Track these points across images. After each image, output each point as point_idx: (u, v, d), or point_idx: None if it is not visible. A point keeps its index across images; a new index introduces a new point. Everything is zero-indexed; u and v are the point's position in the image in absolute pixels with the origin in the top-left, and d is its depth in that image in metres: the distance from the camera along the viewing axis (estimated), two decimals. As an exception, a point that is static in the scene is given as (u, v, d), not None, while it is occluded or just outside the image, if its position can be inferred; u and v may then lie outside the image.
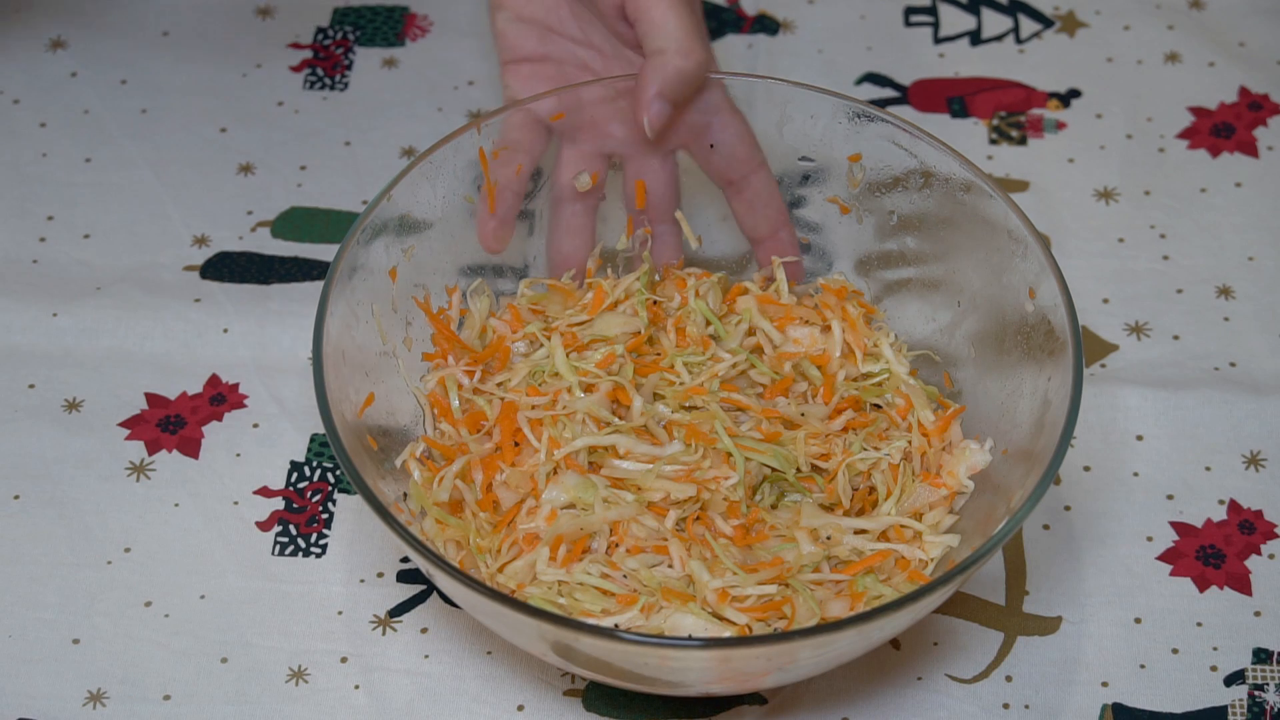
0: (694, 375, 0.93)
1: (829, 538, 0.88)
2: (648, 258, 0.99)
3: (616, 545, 0.87)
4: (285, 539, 0.95)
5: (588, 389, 0.91)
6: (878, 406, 0.94)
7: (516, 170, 0.95)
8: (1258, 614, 0.92)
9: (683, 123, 0.95)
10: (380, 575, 0.94)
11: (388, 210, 0.91)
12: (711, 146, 0.95)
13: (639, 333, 0.93)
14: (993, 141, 1.11)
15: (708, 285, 0.96)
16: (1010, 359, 0.90)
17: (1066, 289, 0.86)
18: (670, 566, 0.86)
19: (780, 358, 0.94)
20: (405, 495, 0.89)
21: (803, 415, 0.92)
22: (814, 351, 0.94)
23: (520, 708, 0.89)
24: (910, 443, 0.91)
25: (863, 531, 0.88)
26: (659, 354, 0.94)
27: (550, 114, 0.95)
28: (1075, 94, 1.13)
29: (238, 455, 0.99)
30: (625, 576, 0.86)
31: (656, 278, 0.98)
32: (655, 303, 0.96)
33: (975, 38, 1.16)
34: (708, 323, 0.95)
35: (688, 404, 0.92)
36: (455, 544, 0.88)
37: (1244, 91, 1.13)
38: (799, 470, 0.90)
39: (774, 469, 0.89)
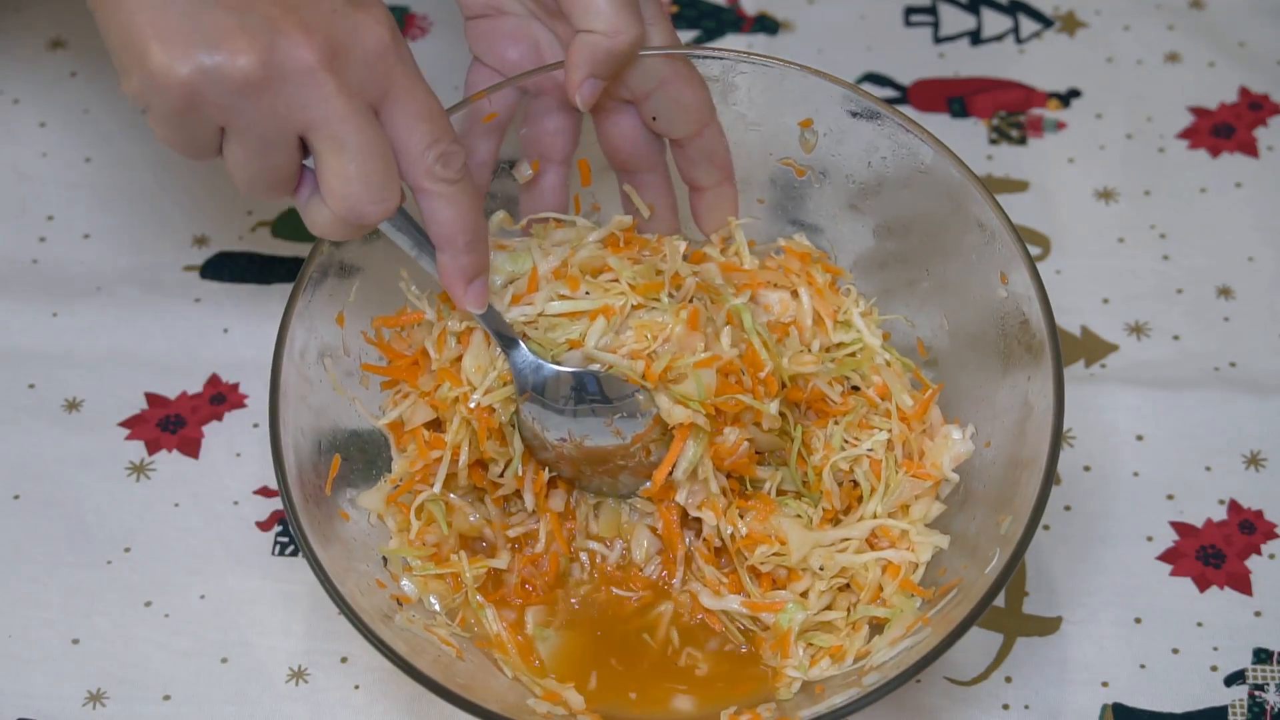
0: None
1: (822, 568, 0.87)
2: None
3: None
4: (285, 539, 0.95)
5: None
6: (855, 389, 0.92)
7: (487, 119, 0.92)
8: (1258, 614, 0.92)
9: (624, 87, 0.91)
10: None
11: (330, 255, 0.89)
12: (654, 119, 0.91)
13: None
14: (992, 141, 1.11)
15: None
16: (986, 346, 0.89)
17: (1039, 279, 0.85)
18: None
19: None
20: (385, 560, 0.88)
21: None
22: (786, 318, 0.92)
23: (520, 708, 0.89)
24: (891, 430, 0.90)
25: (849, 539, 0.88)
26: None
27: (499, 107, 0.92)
28: (1075, 94, 1.13)
29: (238, 455, 0.99)
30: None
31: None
32: None
33: (975, 38, 1.16)
34: None
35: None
36: (438, 595, 0.87)
37: (1244, 91, 1.13)
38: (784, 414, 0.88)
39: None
